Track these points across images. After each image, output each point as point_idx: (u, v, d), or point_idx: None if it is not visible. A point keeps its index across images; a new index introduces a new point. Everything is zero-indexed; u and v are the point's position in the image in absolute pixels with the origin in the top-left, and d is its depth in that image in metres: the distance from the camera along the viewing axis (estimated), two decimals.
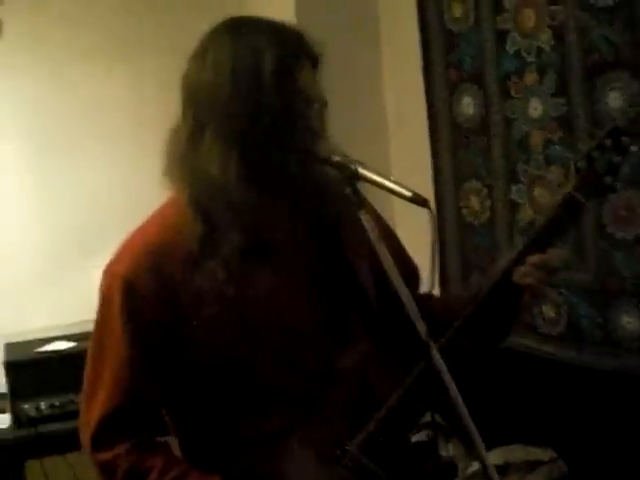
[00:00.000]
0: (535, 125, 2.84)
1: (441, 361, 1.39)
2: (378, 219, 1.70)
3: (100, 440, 1.56)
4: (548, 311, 2.86)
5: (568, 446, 2.69)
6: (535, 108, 2.83)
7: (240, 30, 1.57)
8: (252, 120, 1.50)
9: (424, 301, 1.62)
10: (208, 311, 1.52)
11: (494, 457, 2.58)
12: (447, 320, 1.60)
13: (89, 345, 1.62)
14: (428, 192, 3.34)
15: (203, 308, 1.52)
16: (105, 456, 1.55)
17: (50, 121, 3.56)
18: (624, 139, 1.60)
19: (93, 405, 1.56)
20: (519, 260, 1.60)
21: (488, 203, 3.08)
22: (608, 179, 1.61)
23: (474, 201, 3.14)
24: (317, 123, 1.56)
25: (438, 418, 1.66)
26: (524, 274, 1.59)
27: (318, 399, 1.58)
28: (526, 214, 2.92)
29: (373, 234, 1.41)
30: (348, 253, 1.64)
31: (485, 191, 3.08)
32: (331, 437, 1.57)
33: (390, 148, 3.62)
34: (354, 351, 1.61)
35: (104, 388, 1.55)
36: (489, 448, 2.37)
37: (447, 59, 3.19)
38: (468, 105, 3.11)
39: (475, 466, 2.67)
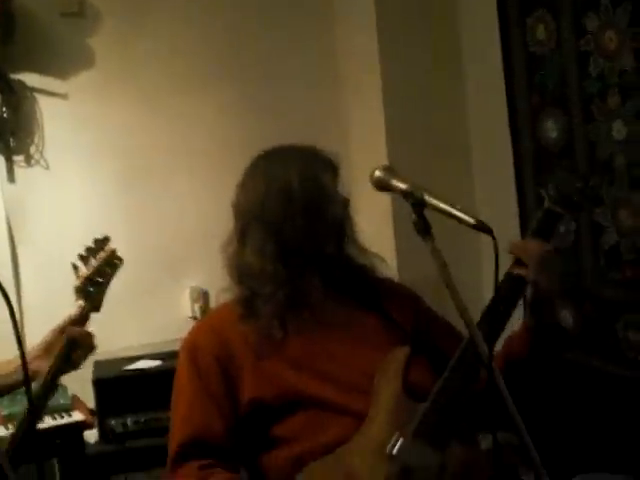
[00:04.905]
0: (619, 148, 2.81)
1: (504, 384, 1.41)
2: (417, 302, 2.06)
3: (176, 463, 1.87)
4: (634, 335, 2.81)
5: None
6: (619, 130, 2.80)
7: (270, 158, 2.00)
8: (284, 221, 1.90)
9: None
10: (255, 352, 1.89)
11: None
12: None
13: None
14: (513, 213, 3.32)
15: (250, 352, 1.89)
16: (179, 473, 1.86)
17: (142, 147, 3.65)
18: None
19: (174, 434, 1.90)
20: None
21: (573, 226, 3.05)
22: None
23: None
24: (339, 215, 1.93)
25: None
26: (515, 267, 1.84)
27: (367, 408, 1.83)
28: (611, 237, 2.89)
29: (439, 261, 1.44)
30: (386, 305, 1.98)
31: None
32: (383, 437, 1.77)
33: (473, 170, 3.61)
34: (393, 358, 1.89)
35: (179, 421, 1.91)
36: (572, 475, 2.35)
37: (530, 82, 3.17)
38: (552, 129, 3.09)
39: None
